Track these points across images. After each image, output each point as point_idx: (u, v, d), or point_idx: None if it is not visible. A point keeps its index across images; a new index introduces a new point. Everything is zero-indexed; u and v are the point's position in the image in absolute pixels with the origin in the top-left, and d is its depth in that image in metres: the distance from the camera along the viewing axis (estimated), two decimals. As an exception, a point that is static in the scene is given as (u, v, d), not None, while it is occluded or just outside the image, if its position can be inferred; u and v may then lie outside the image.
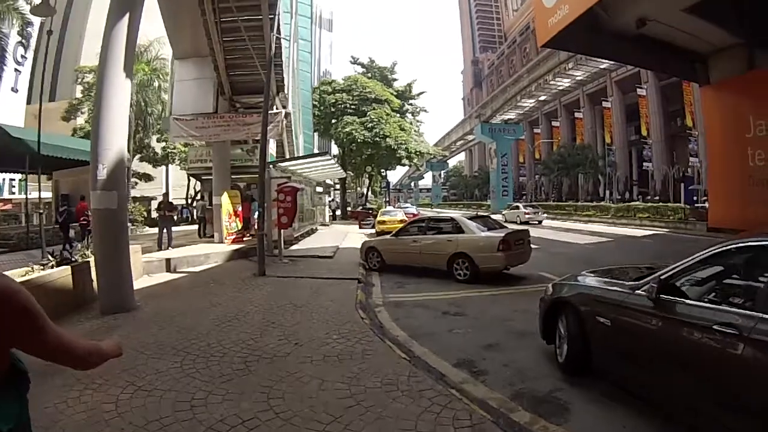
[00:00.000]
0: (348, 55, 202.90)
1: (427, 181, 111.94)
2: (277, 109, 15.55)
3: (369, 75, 39.37)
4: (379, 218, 21.17)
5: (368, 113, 34.75)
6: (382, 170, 43.94)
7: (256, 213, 10.92)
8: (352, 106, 35.73)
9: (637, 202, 28.07)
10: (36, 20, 18.98)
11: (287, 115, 17.19)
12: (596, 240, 16.25)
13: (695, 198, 26.20)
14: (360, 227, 24.62)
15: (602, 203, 32.30)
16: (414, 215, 21.76)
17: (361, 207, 41.46)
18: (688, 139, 31.29)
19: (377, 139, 33.30)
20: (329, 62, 75.53)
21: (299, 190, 11.72)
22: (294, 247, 13.66)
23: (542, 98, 51.29)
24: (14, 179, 16.21)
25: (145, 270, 9.24)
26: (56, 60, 42.08)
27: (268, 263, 9.64)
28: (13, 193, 16.46)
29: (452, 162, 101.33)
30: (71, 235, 11.63)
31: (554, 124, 53.87)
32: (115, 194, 5.94)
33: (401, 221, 20.18)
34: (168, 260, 9.73)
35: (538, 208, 28.26)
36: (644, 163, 37.34)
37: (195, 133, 13.20)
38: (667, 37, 13.44)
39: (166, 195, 13.27)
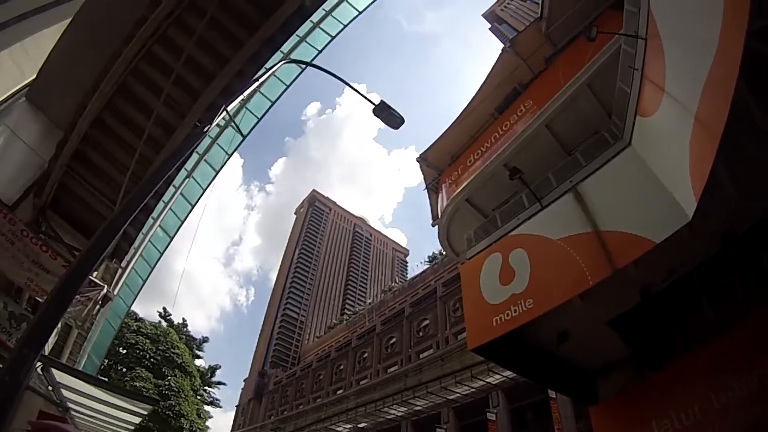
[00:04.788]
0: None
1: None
2: (95, 283, 9.48)
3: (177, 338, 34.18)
4: None
5: (168, 377, 28.38)
6: None
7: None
8: (153, 360, 28.99)
9: None
10: None
11: (107, 300, 10.50)
12: None
13: None
14: None
15: None
16: None
17: None
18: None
19: (169, 413, 26.36)
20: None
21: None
22: None
23: (361, 425, 45.96)
24: None
25: None
26: None
27: None
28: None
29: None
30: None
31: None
32: None
33: None
34: None
35: None
36: None
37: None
38: (569, 355, 13.32)
39: None
